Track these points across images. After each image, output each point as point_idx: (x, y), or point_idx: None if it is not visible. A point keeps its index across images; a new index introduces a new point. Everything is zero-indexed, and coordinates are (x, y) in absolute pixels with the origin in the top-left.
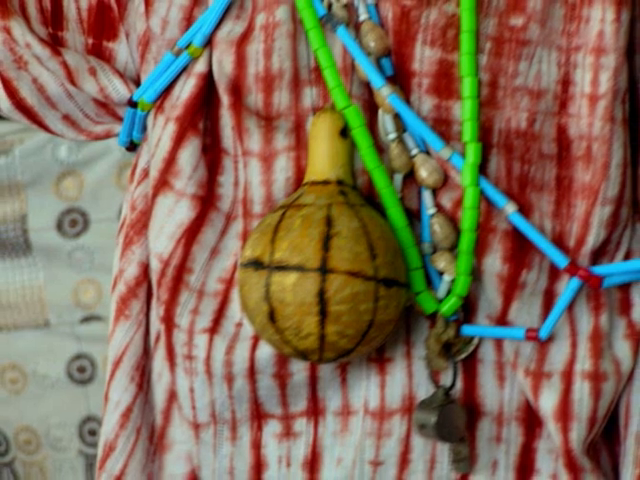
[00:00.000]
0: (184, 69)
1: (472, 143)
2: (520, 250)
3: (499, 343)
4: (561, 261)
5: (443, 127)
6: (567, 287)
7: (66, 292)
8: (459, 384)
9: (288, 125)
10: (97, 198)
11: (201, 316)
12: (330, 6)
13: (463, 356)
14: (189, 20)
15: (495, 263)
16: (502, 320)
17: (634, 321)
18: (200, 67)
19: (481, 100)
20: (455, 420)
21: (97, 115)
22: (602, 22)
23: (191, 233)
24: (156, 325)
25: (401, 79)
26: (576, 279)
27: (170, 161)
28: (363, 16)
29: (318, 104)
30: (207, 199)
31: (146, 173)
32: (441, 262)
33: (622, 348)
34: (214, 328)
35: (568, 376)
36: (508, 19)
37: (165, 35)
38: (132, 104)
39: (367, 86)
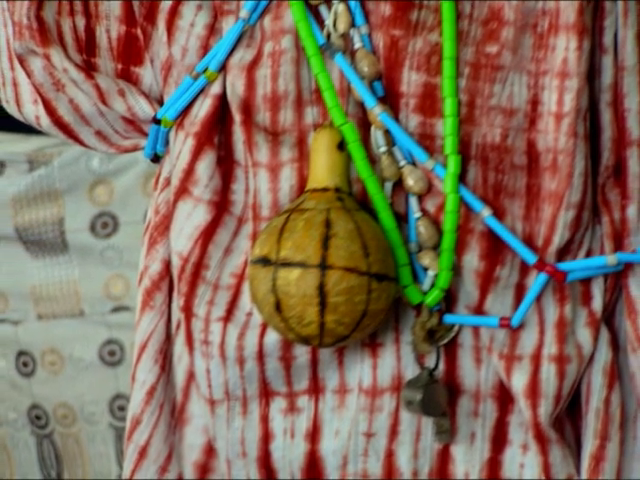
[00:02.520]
0: (201, 91)
1: (453, 155)
2: (495, 249)
3: (476, 330)
4: (530, 258)
5: (427, 141)
6: (535, 281)
7: (98, 286)
8: (441, 366)
9: (292, 140)
10: (126, 203)
11: (216, 306)
12: (329, 36)
13: (445, 341)
14: (206, 48)
15: (473, 260)
16: (479, 310)
17: (594, 311)
18: (215, 89)
19: (460, 118)
20: (438, 397)
21: (125, 131)
22: (566, 50)
23: (207, 234)
24: (177, 314)
25: (391, 100)
26: (543, 274)
27: (189, 171)
28: (357, 44)
29: (318, 121)
30: (221, 204)
31: (168, 182)
32: (426, 259)
33: (583, 334)
34: (227, 317)
35: (536, 359)
36: (484, 47)
37: (185, 61)
38: (156, 121)
39: (361, 106)
